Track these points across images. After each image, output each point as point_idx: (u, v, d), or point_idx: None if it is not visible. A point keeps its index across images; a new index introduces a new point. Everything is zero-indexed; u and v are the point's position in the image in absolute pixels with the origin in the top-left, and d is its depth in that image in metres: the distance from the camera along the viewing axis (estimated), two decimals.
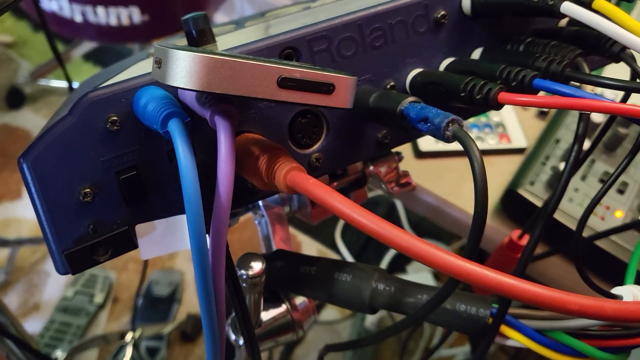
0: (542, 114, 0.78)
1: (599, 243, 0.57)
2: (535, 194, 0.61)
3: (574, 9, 0.27)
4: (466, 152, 0.21)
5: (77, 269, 0.24)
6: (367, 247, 1.40)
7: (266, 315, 0.37)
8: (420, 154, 0.72)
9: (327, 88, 0.22)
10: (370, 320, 1.19)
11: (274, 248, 0.40)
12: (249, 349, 0.30)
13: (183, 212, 0.23)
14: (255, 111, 0.27)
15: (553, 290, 0.15)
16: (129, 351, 1.16)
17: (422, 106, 0.24)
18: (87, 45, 1.87)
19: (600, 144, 0.66)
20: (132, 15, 1.14)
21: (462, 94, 0.27)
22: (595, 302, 0.15)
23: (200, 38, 0.28)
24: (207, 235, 0.20)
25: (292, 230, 1.45)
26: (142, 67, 0.30)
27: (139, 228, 0.25)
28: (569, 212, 0.59)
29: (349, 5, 0.32)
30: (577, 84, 0.28)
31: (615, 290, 0.29)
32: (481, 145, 0.72)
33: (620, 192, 0.62)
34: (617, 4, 0.28)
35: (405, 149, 0.72)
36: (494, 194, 0.66)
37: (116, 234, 0.25)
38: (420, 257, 0.17)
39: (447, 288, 0.25)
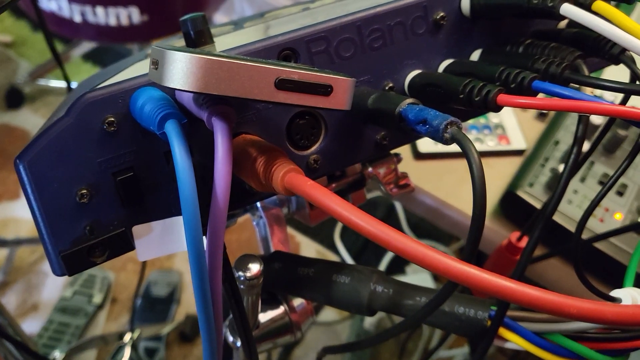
0: (541, 116, 0.78)
1: (598, 245, 0.57)
2: (534, 195, 0.61)
3: (574, 11, 0.26)
4: (465, 154, 0.20)
5: (73, 271, 0.24)
6: (366, 248, 1.40)
7: (264, 317, 0.37)
8: (419, 156, 0.71)
9: (325, 89, 0.21)
10: (370, 321, 1.19)
11: (272, 249, 0.40)
12: (247, 350, 0.30)
13: (180, 214, 0.23)
14: (253, 112, 0.26)
15: (552, 294, 0.15)
16: (127, 352, 1.16)
17: (420, 108, 0.24)
18: (87, 46, 1.87)
19: (600, 145, 0.66)
20: (131, 15, 1.14)
21: (461, 96, 0.26)
22: (594, 306, 0.15)
23: (198, 39, 0.28)
24: (204, 236, 0.20)
25: (291, 231, 1.45)
26: (139, 68, 0.29)
27: (136, 229, 0.25)
28: (568, 214, 0.59)
29: (348, 6, 0.32)
30: (577, 86, 0.28)
31: (614, 293, 0.29)
32: (480, 147, 0.72)
33: (620, 194, 0.62)
34: (617, 6, 0.27)
35: (404, 150, 0.72)
36: (493, 196, 0.66)
37: (113, 236, 0.24)
38: (417, 259, 0.17)
39: (446, 290, 0.25)
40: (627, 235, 0.58)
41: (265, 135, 0.27)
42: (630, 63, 0.28)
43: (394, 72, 0.30)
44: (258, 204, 0.41)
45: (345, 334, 1.24)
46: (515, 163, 0.70)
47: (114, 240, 0.24)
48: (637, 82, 0.28)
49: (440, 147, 0.71)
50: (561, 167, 0.63)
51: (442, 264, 0.17)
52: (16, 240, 1.35)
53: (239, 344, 0.37)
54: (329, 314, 1.28)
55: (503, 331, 0.29)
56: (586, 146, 0.56)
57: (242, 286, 0.32)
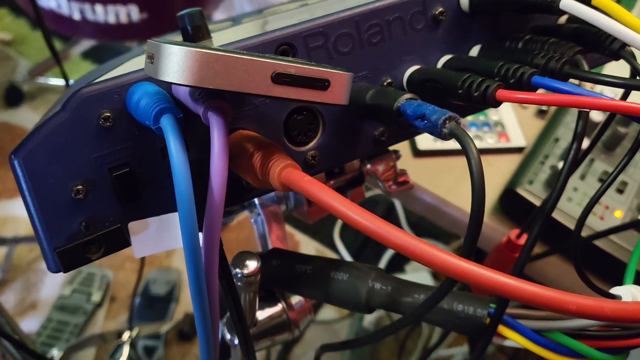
0: (541, 113, 0.77)
1: (598, 243, 0.57)
2: (533, 193, 0.61)
3: (574, 6, 0.26)
4: (463, 150, 0.20)
5: (69, 267, 0.24)
6: (365, 246, 1.40)
7: (262, 314, 0.36)
8: (418, 153, 0.71)
9: (322, 84, 0.21)
10: (369, 319, 1.19)
11: (270, 247, 0.40)
12: (244, 348, 0.30)
13: (176, 210, 0.23)
14: (250, 108, 0.26)
15: (551, 290, 0.15)
16: (126, 350, 1.16)
17: (419, 103, 0.24)
18: (86, 43, 1.87)
19: (600, 143, 0.66)
20: (130, 13, 1.14)
21: (460, 91, 0.26)
22: (594, 302, 0.15)
23: (195, 34, 0.28)
24: (200, 232, 0.20)
25: (290, 229, 1.45)
26: (136, 63, 0.29)
27: (132, 226, 0.25)
28: (567, 211, 0.59)
29: (346, 1, 0.32)
30: (577, 81, 0.28)
31: (614, 290, 0.28)
32: (480, 144, 0.72)
33: (620, 191, 0.62)
34: (617, 1, 0.27)
35: (403, 147, 0.72)
36: (493, 193, 0.66)
37: (109, 232, 0.24)
38: (416, 255, 0.17)
39: (444, 287, 0.24)
40: (627, 232, 0.58)
41: (262, 131, 0.27)
42: (630, 58, 0.28)
43: (393, 67, 0.29)
44: (256, 201, 0.40)
45: (345, 333, 1.24)
46: (514, 160, 0.69)
47: (110, 237, 0.24)
48: (638, 78, 0.28)
49: (439, 145, 0.71)
50: (561, 165, 0.63)
51: (440, 260, 0.16)
52: (15, 238, 1.35)
53: (236, 341, 0.37)
54: (328, 312, 1.28)
55: (502, 329, 0.29)
56: (586, 143, 0.55)
57: (239, 283, 0.32)
